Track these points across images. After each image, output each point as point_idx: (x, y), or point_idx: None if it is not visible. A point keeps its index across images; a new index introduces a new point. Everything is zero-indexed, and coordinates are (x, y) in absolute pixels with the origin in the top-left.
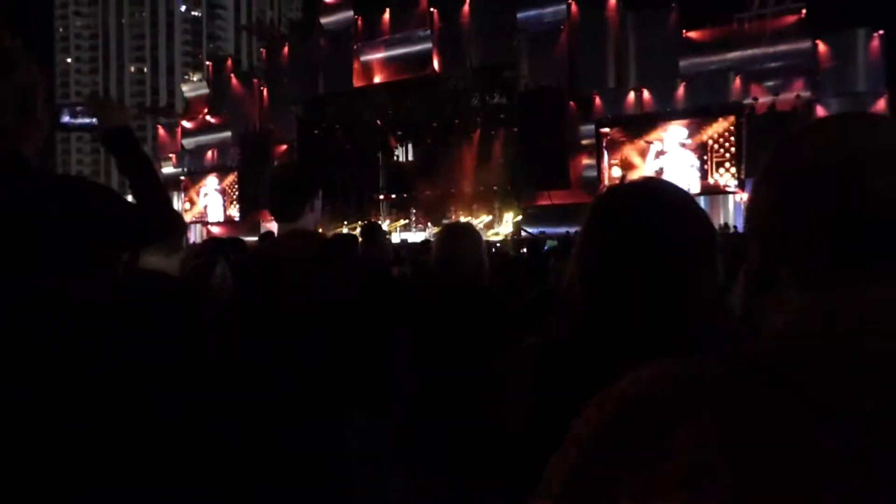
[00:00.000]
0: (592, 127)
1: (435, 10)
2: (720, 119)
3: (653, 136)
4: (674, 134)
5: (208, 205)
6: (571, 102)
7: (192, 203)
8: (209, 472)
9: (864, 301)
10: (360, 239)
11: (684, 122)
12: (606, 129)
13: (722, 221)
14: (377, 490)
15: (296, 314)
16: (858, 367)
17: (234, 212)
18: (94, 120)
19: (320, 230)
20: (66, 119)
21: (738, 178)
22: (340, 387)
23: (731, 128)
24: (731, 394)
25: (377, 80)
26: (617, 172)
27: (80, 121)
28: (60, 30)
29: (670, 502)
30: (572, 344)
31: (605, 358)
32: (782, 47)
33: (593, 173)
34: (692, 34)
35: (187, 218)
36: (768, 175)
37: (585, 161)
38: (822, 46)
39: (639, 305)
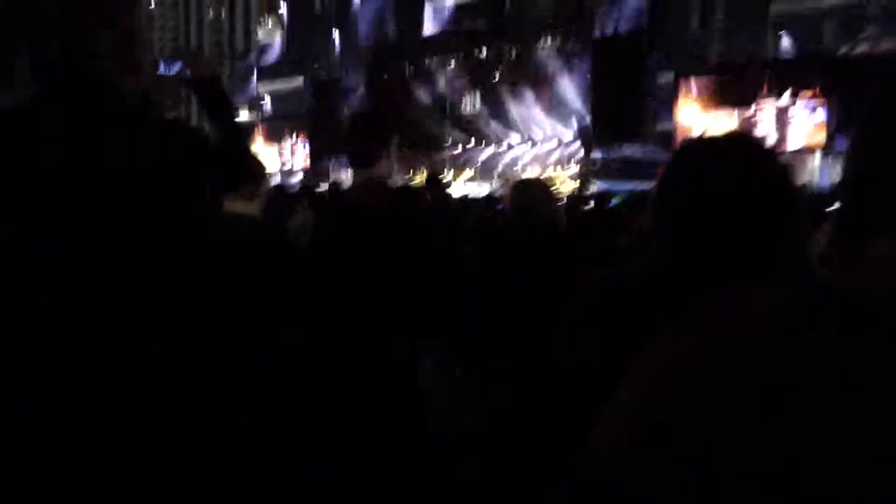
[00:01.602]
0: (672, 76)
1: None
2: (812, 69)
3: (737, 87)
4: (761, 85)
5: (284, 152)
6: (650, 49)
7: (271, 149)
8: (290, 388)
9: None
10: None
11: (773, 72)
12: (688, 79)
13: (805, 180)
14: (449, 407)
15: (374, 260)
16: None
17: (306, 159)
18: (186, 70)
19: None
20: (161, 69)
21: (828, 134)
22: (415, 319)
23: (823, 79)
24: (818, 327)
25: (448, 25)
26: (698, 126)
27: (173, 71)
28: None
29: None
30: (647, 276)
31: (678, 294)
32: None
33: (670, 126)
34: None
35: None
36: (875, 112)
37: (663, 112)
38: None
39: (716, 251)
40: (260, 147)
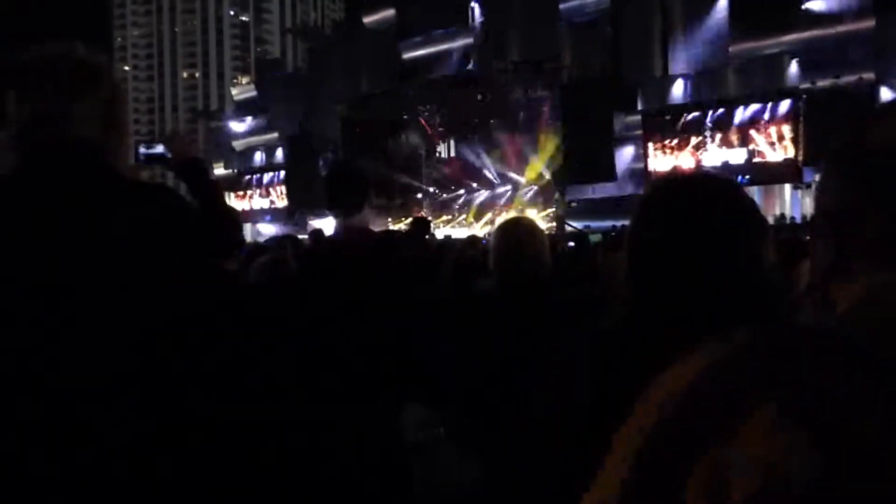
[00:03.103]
0: (638, 118)
1: (476, 5)
2: (776, 105)
3: (701, 126)
4: (725, 123)
5: (260, 204)
6: (616, 92)
7: (243, 202)
8: (270, 460)
9: None
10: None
11: (736, 109)
12: (653, 120)
13: (778, 212)
14: (433, 474)
15: (358, 309)
16: None
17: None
18: (167, 152)
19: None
20: (142, 151)
21: (796, 166)
22: (396, 379)
23: (789, 114)
24: (808, 371)
25: (419, 77)
26: (664, 163)
27: (153, 151)
28: (119, 39)
29: (743, 487)
30: (624, 330)
31: (656, 343)
32: (843, 28)
33: (640, 165)
34: (743, 18)
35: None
36: (842, 156)
37: (631, 152)
38: (886, 25)
39: (685, 291)
40: (234, 201)
